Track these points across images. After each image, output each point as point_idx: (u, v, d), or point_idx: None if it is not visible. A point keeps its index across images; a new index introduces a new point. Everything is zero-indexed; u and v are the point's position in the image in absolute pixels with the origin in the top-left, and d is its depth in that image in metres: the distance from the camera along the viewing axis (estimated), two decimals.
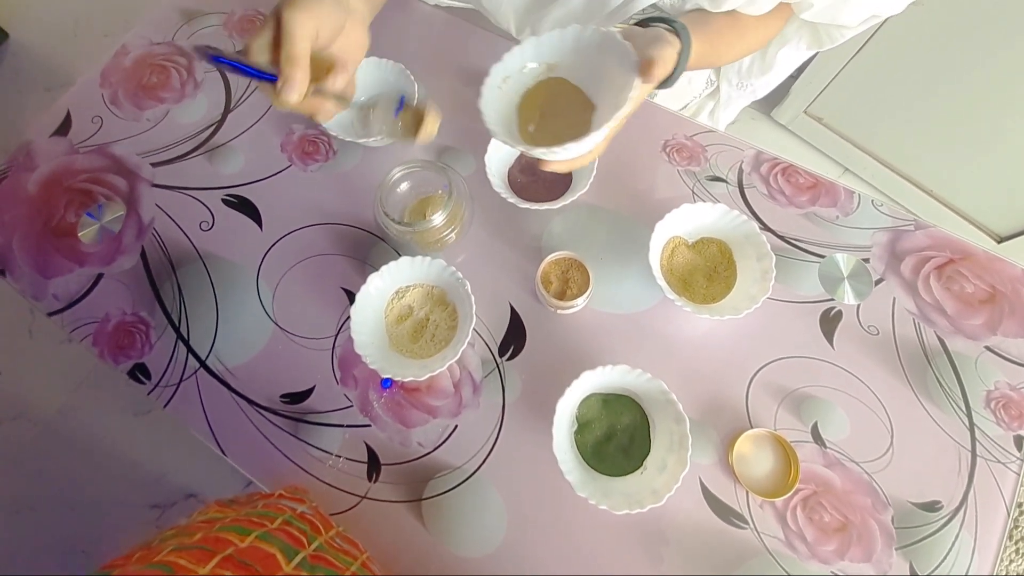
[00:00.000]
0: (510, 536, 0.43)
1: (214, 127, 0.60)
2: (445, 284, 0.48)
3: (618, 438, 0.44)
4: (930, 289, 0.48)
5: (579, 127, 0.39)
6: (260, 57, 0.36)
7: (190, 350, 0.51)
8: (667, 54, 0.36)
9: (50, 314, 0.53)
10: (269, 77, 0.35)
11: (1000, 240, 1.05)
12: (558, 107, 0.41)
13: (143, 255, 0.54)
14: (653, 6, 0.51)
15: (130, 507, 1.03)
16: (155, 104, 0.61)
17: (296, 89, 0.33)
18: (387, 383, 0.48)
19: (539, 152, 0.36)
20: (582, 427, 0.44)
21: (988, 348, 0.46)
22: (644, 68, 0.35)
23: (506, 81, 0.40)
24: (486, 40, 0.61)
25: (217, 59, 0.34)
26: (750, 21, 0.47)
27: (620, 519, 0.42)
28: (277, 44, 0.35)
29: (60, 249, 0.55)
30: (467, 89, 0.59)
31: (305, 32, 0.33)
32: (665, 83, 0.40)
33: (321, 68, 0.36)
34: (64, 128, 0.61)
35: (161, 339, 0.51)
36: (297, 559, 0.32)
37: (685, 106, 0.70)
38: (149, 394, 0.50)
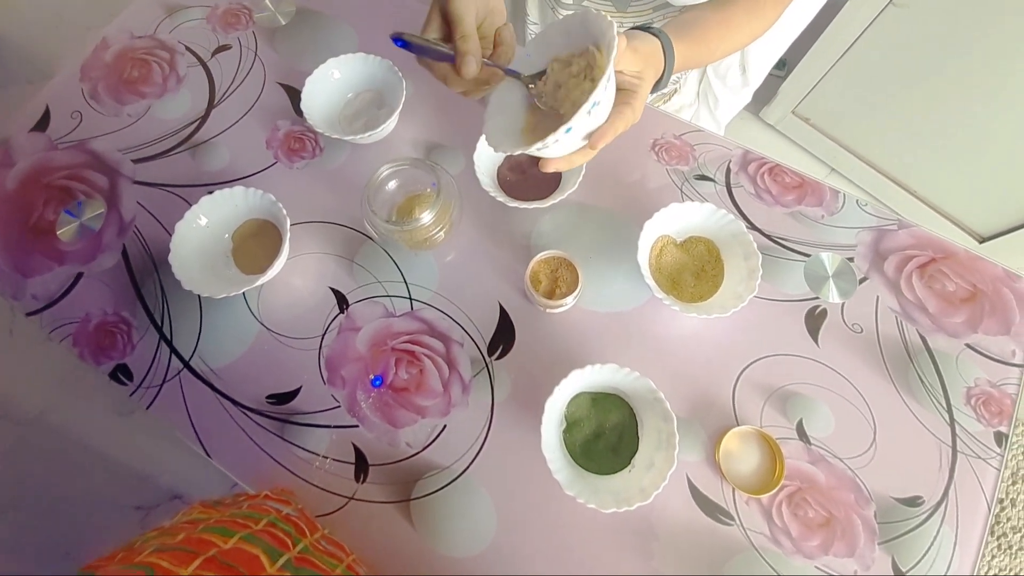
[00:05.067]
0: (499, 536, 0.43)
1: (197, 123, 0.59)
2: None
3: (607, 436, 0.44)
4: (913, 288, 0.49)
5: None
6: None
7: (173, 350, 0.50)
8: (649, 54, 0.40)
9: (29, 314, 0.52)
10: (449, 57, 0.39)
11: (982, 240, 1.07)
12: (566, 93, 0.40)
13: (124, 253, 0.53)
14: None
15: (113, 508, 1.01)
16: (136, 99, 0.60)
17: (475, 61, 0.38)
18: (377, 381, 0.47)
19: (532, 150, 0.36)
20: (571, 426, 0.44)
21: (968, 346, 0.47)
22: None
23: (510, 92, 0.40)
24: None
25: (399, 42, 0.38)
26: (736, 12, 0.47)
27: (609, 517, 0.42)
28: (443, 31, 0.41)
29: (39, 247, 0.54)
30: None
31: (471, 14, 0.39)
32: (657, 84, 0.42)
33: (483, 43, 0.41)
34: (43, 124, 0.59)
35: (143, 339, 0.50)
36: (281, 561, 0.32)
37: (680, 109, 0.71)
38: (131, 395, 0.49)
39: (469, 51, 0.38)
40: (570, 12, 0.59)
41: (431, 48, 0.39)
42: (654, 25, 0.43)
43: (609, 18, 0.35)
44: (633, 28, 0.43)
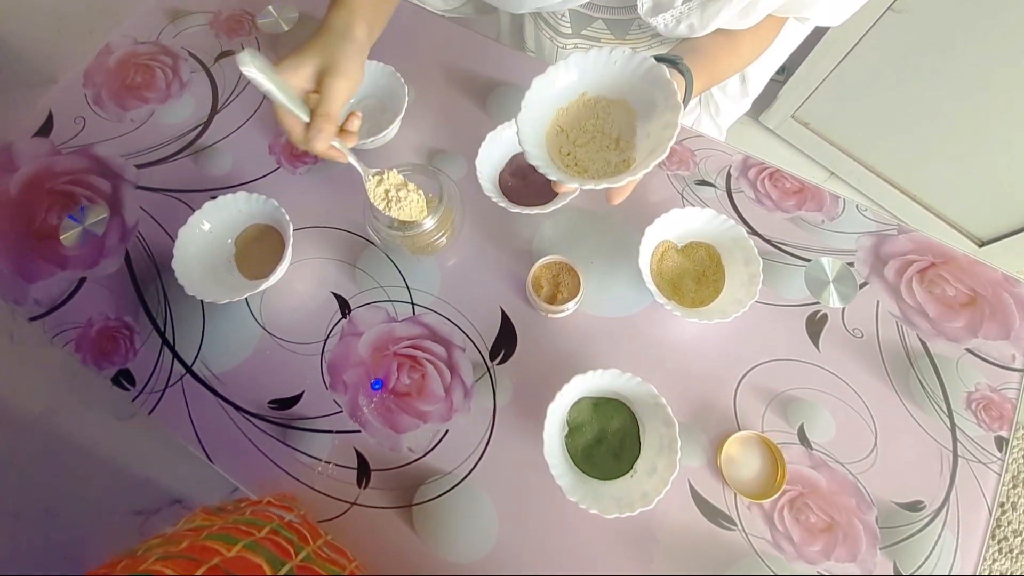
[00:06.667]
0: (501, 541, 0.43)
1: (200, 128, 0.59)
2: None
3: (608, 442, 0.44)
4: (913, 292, 0.49)
5: (619, 152, 0.40)
6: (292, 84, 0.42)
7: (176, 356, 0.50)
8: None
9: (31, 319, 0.52)
10: (295, 114, 0.41)
11: (981, 244, 1.07)
12: (597, 127, 0.40)
13: (127, 258, 0.54)
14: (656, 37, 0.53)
15: (113, 513, 1.01)
16: (139, 104, 0.60)
17: (325, 140, 0.41)
18: (377, 384, 0.47)
19: (573, 182, 0.36)
20: (573, 431, 0.44)
21: (969, 350, 0.47)
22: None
23: (544, 100, 0.39)
24: (476, 43, 0.62)
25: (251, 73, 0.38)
26: (744, 37, 0.47)
27: (610, 522, 0.42)
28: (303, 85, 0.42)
29: (42, 252, 0.54)
30: (457, 92, 0.59)
31: (342, 98, 0.42)
32: None
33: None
34: (46, 129, 0.59)
35: (146, 344, 0.50)
36: (284, 570, 0.32)
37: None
38: (134, 400, 0.49)
39: (325, 130, 0.40)
40: (570, 42, 0.59)
41: (283, 99, 0.39)
42: (679, 59, 0.42)
43: (678, 97, 0.35)
44: (663, 61, 0.42)
